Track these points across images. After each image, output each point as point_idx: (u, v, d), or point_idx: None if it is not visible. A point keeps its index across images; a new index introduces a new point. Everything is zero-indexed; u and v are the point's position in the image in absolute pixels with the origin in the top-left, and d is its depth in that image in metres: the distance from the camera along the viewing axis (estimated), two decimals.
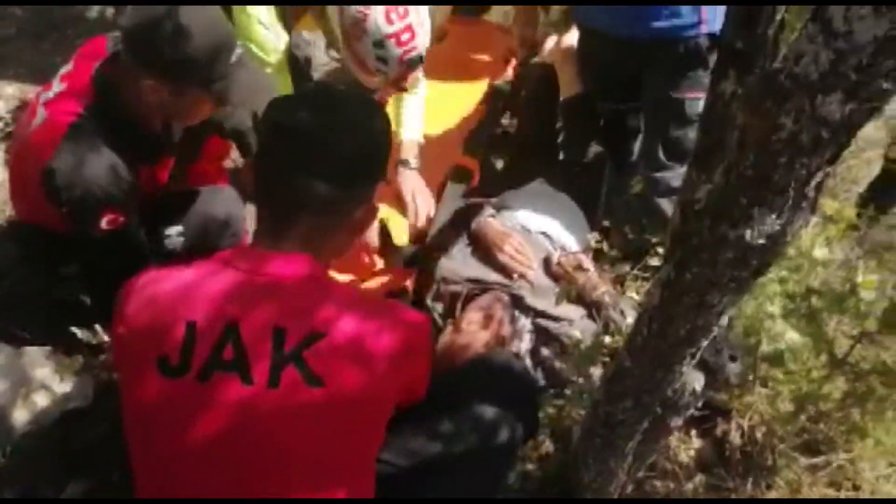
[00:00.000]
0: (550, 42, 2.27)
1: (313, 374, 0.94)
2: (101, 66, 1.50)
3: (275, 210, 1.04)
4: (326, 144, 1.00)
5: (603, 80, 2.11)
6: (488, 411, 1.21)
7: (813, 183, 0.73)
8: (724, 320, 0.93)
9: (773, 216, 0.76)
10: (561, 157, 2.27)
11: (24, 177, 1.58)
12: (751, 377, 1.48)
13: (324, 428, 0.96)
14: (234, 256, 1.04)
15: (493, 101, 2.49)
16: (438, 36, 2.72)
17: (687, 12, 1.78)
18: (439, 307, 1.80)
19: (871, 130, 2.64)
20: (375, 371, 0.97)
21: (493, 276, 1.78)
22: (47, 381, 1.62)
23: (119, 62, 1.48)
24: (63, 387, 1.63)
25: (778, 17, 0.88)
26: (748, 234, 0.77)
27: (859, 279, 1.50)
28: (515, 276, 1.76)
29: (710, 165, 0.86)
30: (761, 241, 0.78)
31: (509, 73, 2.58)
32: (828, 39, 0.64)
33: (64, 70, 1.56)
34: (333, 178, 1.00)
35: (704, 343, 0.97)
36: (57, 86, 1.53)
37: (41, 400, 1.59)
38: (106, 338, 1.66)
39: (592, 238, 1.84)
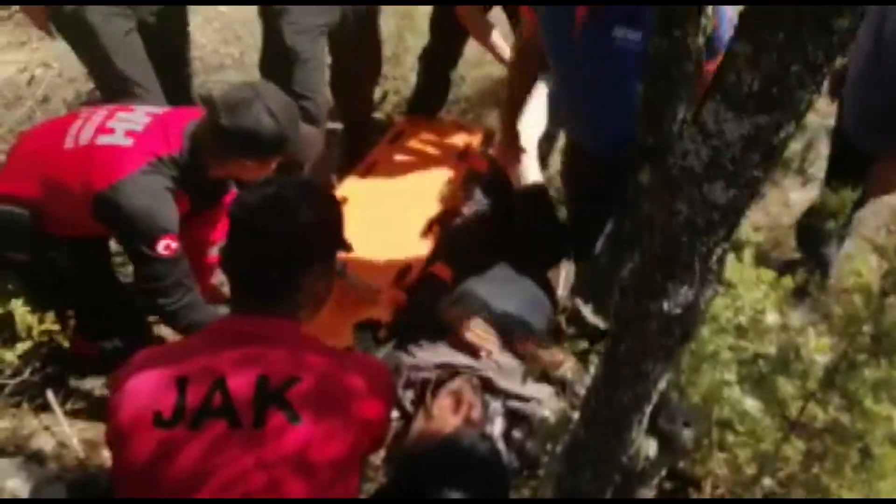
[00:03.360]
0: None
1: (294, 411, 1.05)
2: (197, 127, 1.73)
3: (244, 287, 1.18)
4: (275, 236, 1.15)
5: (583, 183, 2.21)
6: (454, 497, 1.27)
7: (714, 257, 0.84)
8: (663, 385, 1.01)
9: (685, 287, 0.85)
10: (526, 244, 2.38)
11: (63, 175, 1.72)
12: (706, 442, 1.53)
13: (306, 458, 1.04)
14: (218, 325, 1.21)
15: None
16: (394, 136, 2.90)
17: None
18: (410, 394, 1.84)
19: None
20: (345, 407, 1.09)
21: (461, 360, 1.84)
22: (19, 493, 1.61)
23: (210, 133, 1.72)
24: (37, 496, 1.62)
25: (679, 117, 1.01)
26: (666, 305, 0.87)
27: (811, 344, 1.59)
28: (483, 353, 1.82)
29: (634, 248, 0.97)
30: (678, 310, 0.87)
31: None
32: (705, 139, 0.76)
33: (152, 109, 1.81)
34: (287, 262, 1.17)
35: (648, 409, 1.04)
36: (139, 116, 1.75)
37: None
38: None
39: (554, 319, 1.92)
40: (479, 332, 1.86)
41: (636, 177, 1.00)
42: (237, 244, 1.19)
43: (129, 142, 1.68)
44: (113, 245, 2.07)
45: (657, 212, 0.83)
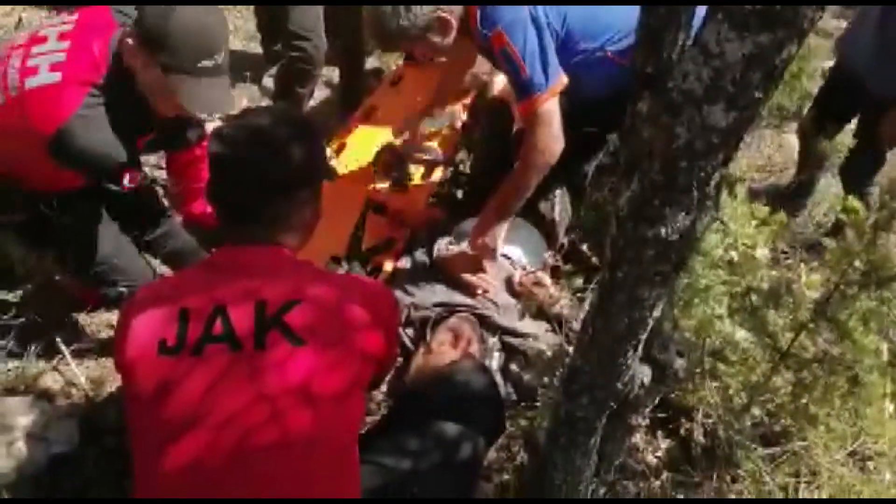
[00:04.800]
0: (501, 78, 2.40)
1: (294, 333, 1.07)
2: (119, 39, 1.57)
3: (232, 218, 1.21)
4: (257, 167, 1.16)
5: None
6: (450, 428, 1.31)
7: (712, 183, 0.85)
8: (658, 312, 1.03)
9: (683, 213, 0.87)
10: None
11: (11, 132, 1.58)
12: (699, 370, 1.58)
13: (308, 389, 1.07)
14: (213, 257, 1.24)
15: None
16: (394, 79, 2.86)
17: None
18: (410, 332, 1.88)
19: None
20: (347, 327, 1.12)
21: (458, 298, 1.87)
22: (31, 429, 1.65)
23: (127, 37, 1.55)
24: (47, 433, 1.67)
25: (679, 44, 1.00)
26: (663, 231, 0.88)
27: (802, 279, 1.62)
28: (479, 292, 1.85)
29: (631, 177, 0.98)
30: (675, 236, 0.88)
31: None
32: (706, 59, 0.76)
33: (62, 28, 1.60)
34: (271, 191, 1.18)
35: (643, 336, 1.06)
36: (55, 43, 1.57)
37: (26, 448, 1.62)
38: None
39: (550, 257, 1.94)
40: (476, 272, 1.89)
41: (634, 105, 1.00)
42: (221, 177, 1.19)
43: (57, 76, 1.53)
44: None
45: (656, 137, 0.83)
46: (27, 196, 1.74)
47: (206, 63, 1.52)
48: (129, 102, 1.60)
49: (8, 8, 3.33)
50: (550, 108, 1.73)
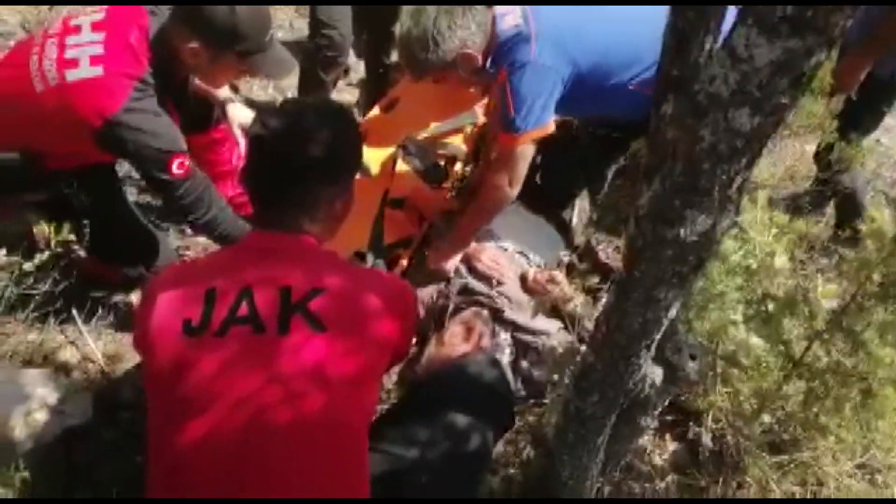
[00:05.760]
0: None
1: (317, 320, 1.09)
2: (161, 30, 1.68)
3: (265, 203, 1.22)
4: (294, 151, 1.18)
5: None
6: (459, 419, 1.32)
7: (735, 186, 0.85)
8: (673, 313, 1.04)
9: (703, 216, 0.87)
10: (538, 181, 2.39)
11: (47, 118, 1.65)
12: (710, 373, 1.58)
13: (323, 372, 1.08)
14: (242, 242, 1.25)
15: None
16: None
17: None
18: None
19: None
20: (366, 316, 1.14)
21: (476, 285, 1.89)
22: (47, 400, 1.68)
23: (167, 26, 1.67)
24: (63, 406, 1.70)
25: (707, 47, 1.00)
26: (682, 232, 0.88)
27: (819, 289, 1.62)
28: (495, 281, 1.86)
29: (653, 178, 0.98)
30: (695, 238, 0.89)
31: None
32: (734, 63, 0.76)
33: (94, 18, 1.68)
34: (305, 177, 1.19)
35: (657, 336, 1.07)
36: (90, 34, 1.65)
37: (42, 418, 1.65)
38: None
39: (565, 256, 1.94)
40: (491, 262, 1.90)
41: (659, 108, 1.00)
42: (258, 162, 1.21)
43: (99, 70, 1.61)
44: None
45: (680, 139, 0.84)
46: (48, 176, 1.79)
47: (269, 36, 1.71)
48: (171, 92, 1.72)
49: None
50: (522, 152, 1.84)
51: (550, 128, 1.83)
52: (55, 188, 1.83)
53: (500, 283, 1.87)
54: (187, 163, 1.72)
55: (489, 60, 1.84)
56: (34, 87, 1.63)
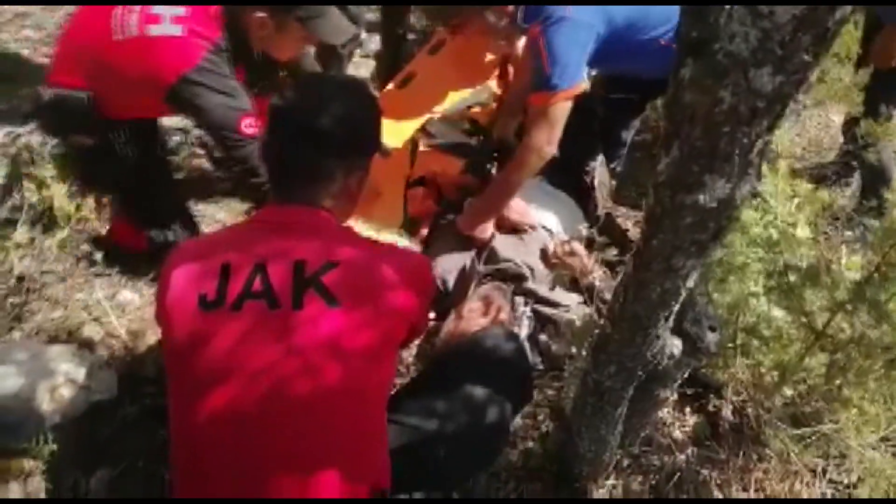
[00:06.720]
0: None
1: (330, 295, 1.09)
2: (231, 7, 1.78)
3: (281, 175, 1.22)
4: (315, 124, 1.18)
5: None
6: (478, 392, 1.32)
7: (755, 150, 0.83)
8: (692, 283, 1.02)
9: (723, 181, 0.85)
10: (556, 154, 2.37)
11: (120, 66, 1.75)
12: (731, 345, 1.56)
13: (339, 344, 1.09)
14: (258, 214, 1.25)
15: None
16: (433, 47, 2.83)
17: None
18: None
19: None
20: (381, 287, 1.14)
21: (502, 252, 1.89)
22: (73, 376, 1.72)
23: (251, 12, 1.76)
24: (88, 381, 1.73)
25: (727, 8, 0.97)
26: (702, 198, 0.87)
27: (843, 261, 1.58)
28: (527, 227, 1.86)
29: (671, 143, 0.96)
30: (714, 204, 0.87)
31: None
32: (755, 20, 0.74)
33: None
34: (326, 152, 1.19)
35: (675, 306, 1.05)
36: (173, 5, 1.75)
37: (68, 393, 1.69)
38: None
39: (585, 229, 1.93)
40: (520, 213, 1.91)
41: (677, 72, 0.98)
42: (276, 134, 1.21)
43: (179, 29, 1.71)
44: None
45: (699, 101, 0.81)
46: (103, 122, 1.86)
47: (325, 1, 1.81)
48: (242, 58, 1.83)
49: None
50: (560, 110, 1.77)
51: (585, 85, 1.77)
52: (104, 136, 1.89)
53: (531, 230, 1.87)
54: (256, 124, 1.77)
55: (521, 14, 1.78)
56: (112, 35, 1.72)
